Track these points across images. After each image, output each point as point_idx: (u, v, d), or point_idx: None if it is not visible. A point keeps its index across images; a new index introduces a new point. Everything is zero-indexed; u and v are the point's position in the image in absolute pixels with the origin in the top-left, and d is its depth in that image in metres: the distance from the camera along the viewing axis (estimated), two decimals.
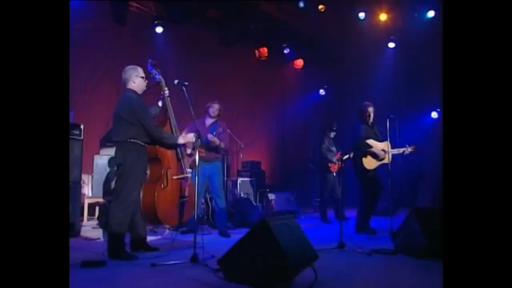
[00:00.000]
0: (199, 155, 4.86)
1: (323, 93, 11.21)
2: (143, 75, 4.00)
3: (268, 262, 2.74)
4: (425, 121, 9.56)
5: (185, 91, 3.92)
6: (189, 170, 4.15)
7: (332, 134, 6.98)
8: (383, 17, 9.30)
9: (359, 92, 10.09)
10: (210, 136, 4.97)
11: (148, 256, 3.74)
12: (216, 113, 5.37)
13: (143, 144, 3.84)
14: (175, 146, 4.04)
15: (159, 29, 8.45)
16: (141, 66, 4.05)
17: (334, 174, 6.85)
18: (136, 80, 3.94)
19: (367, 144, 5.30)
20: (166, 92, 4.18)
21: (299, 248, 2.96)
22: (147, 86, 4.07)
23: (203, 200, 5.70)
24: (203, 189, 5.34)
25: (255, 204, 6.89)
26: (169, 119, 4.17)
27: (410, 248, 3.94)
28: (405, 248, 4.03)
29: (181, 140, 4.01)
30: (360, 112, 5.52)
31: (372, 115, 5.46)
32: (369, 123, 5.47)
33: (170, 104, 4.19)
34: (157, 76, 4.20)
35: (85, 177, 7.17)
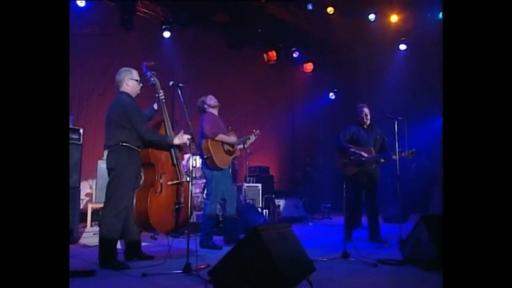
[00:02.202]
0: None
1: (333, 97, 10.99)
2: (137, 78, 3.90)
3: (260, 275, 2.56)
4: (439, 124, 9.25)
5: (180, 93, 3.78)
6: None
7: None
8: (394, 18, 9.05)
9: (370, 95, 9.79)
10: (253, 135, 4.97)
11: (141, 265, 3.59)
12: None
13: (135, 148, 3.71)
14: (170, 147, 3.92)
15: (166, 34, 8.40)
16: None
17: None
18: (130, 83, 3.83)
19: (346, 144, 5.13)
20: (161, 94, 4.06)
21: (294, 259, 2.76)
22: (142, 89, 3.97)
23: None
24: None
25: (260, 210, 6.70)
26: (164, 122, 4.05)
27: (418, 259, 3.70)
28: (413, 258, 3.80)
29: (176, 141, 3.89)
30: (355, 114, 5.37)
31: (369, 116, 5.27)
32: (365, 126, 5.28)
33: (165, 106, 4.07)
34: (152, 79, 4.09)
35: (91, 182, 7.13)
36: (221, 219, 5.47)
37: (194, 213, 5.97)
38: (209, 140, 4.71)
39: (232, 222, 5.10)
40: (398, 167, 4.79)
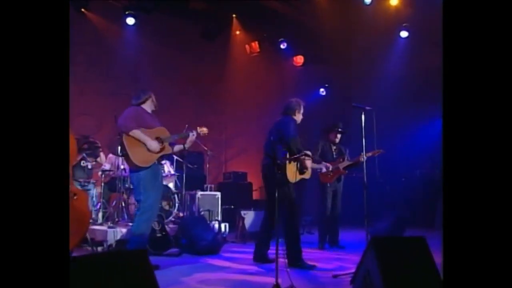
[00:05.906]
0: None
1: (324, 92, 9.80)
2: None
3: None
4: None
5: None
6: None
7: (338, 137, 5.65)
8: (393, 1, 7.91)
9: (366, 90, 8.65)
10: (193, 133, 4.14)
11: None
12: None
13: None
14: None
15: (130, 20, 7.48)
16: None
17: (328, 185, 5.49)
18: None
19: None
20: None
21: None
22: None
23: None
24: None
25: (218, 224, 5.59)
26: None
27: None
28: None
29: None
30: (288, 109, 4.47)
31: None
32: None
33: None
34: None
35: None
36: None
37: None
38: (124, 135, 3.84)
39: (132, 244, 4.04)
40: (364, 171, 3.72)
